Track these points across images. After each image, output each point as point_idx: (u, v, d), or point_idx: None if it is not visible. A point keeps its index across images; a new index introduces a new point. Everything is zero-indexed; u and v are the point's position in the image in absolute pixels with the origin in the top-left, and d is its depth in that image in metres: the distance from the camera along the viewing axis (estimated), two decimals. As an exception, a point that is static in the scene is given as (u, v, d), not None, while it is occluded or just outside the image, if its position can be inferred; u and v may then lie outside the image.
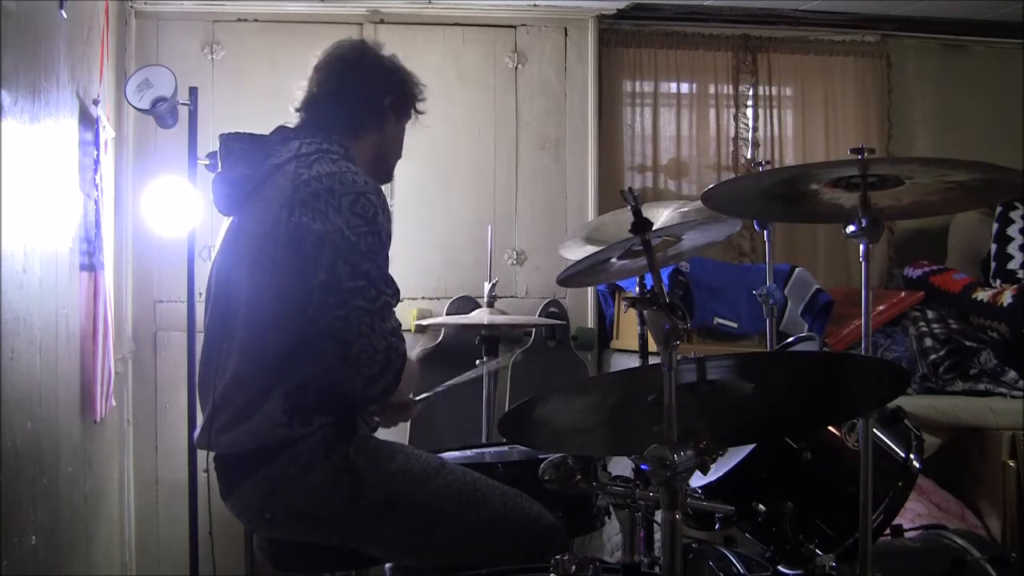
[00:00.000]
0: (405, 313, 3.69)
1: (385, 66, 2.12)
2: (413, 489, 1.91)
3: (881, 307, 3.75)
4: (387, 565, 2.13)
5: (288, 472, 1.87)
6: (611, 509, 1.58)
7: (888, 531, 2.09)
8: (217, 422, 1.93)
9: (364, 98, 2.07)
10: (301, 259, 1.85)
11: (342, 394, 1.90)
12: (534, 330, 3.86)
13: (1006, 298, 3.64)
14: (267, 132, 2.06)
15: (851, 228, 1.63)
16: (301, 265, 1.85)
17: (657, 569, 1.90)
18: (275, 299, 1.89)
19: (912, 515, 3.05)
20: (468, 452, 2.46)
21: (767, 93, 4.25)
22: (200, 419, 2.05)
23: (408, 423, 3.64)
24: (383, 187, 2.01)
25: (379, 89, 2.09)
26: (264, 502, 1.90)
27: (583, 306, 4.02)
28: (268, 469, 1.88)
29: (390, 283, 1.88)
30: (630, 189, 1.54)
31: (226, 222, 2.09)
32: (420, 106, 2.18)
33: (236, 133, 2.04)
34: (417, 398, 2.14)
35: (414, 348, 3.72)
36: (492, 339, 3.02)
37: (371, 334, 1.82)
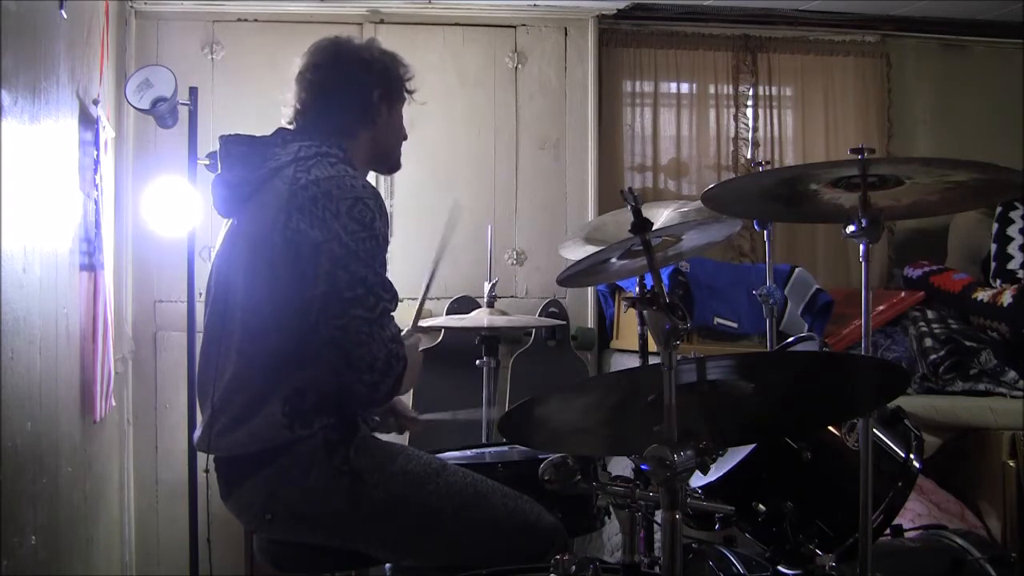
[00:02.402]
0: (405, 313, 3.68)
1: (364, 59, 2.08)
2: (413, 490, 1.91)
3: (881, 307, 3.75)
4: (387, 565, 2.13)
5: (289, 473, 1.87)
6: (611, 509, 1.58)
7: (888, 531, 2.09)
8: (217, 425, 1.93)
9: (351, 98, 2.05)
10: (299, 266, 1.85)
11: (343, 398, 1.90)
12: (534, 330, 3.85)
13: (1006, 298, 3.63)
14: (267, 132, 2.06)
15: (851, 228, 1.63)
16: (299, 272, 1.85)
17: (657, 569, 1.90)
18: (273, 304, 1.89)
19: (912, 515, 3.05)
20: (468, 452, 2.47)
21: (767, 93, 4.25)
22: (200, 420, 2.05)
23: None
24: (389, 177, 2.00)
25: (363, 85, 2.06)
26: (265, 503, 1.91)
27: (583, 306, 4.02)
28: (268, 470, 1.88)
29: (388, 288, 1.88)
30: (630, 189, 1.53)
31: (226, 223, 2.09)
32: (411, 85, 2.14)
33: (236, 135, 2.03)
34: (422, 417, 2.16)
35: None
36: (492, 339, 3.02)
37: (371, 342, 1.82)
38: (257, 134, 2.05)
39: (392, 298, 1.88)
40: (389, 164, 2.18)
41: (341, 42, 2.10)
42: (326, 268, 1.83)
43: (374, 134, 2.09)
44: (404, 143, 2.19)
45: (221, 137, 2.03)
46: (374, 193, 1.91)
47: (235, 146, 2.02)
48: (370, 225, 1.86)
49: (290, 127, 2.07)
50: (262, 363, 1.90)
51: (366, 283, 1.84)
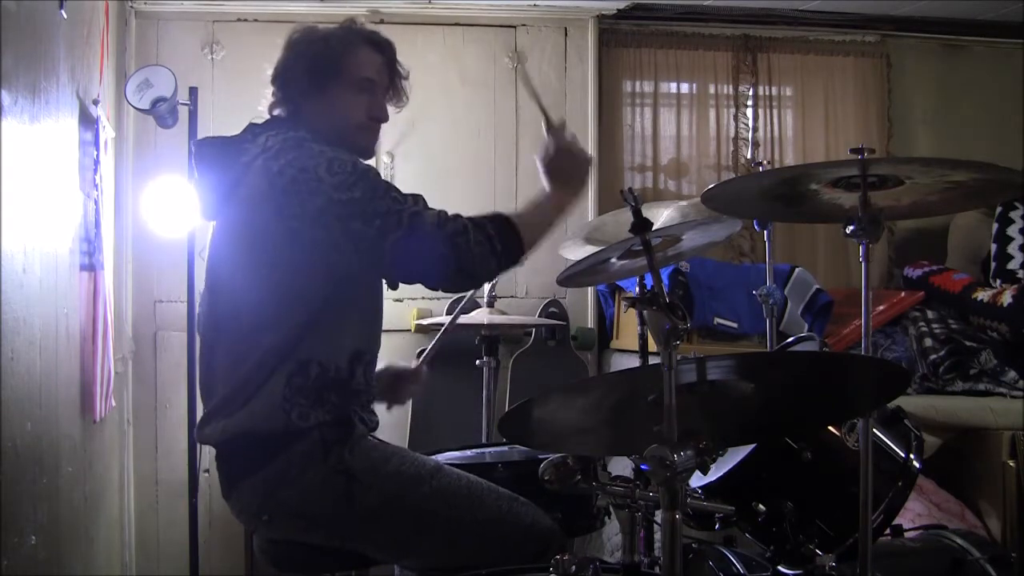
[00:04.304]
0: (405, 313, 3.71)
1: (303, 42, 2.05)
2: (408, 492, 1.90)
3: (881, 307, 3.75)
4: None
5: (286, 474, 1.87)
6: (611, 509, 1.58)
7: (888, 531, 2.09)
8: (218, 412, 1.93)
9: (293, 84, 2.02)
10: (307, 246, 1.84)
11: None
12: (534, 330, 3.85)
13: (1006, 298, 3.63)
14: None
15: (851, 228, 1.63)
16: (311, 252, 1.84)
17: (657, 569, 1.89)
18: (272, 293, 1.88)
19: (912, 515, 3.05)
20: (468, 452, 2.46)
21: (767, 93, 4.24)
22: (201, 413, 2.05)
23: (408, 424, 3.64)
24: (389, 177, 1.98)
25: (300, 70, 2.02)
26: (262, 504, 1.90)
27: (583, 306, 4.02)
28: (266, 470, 1.88)
29: (403, 199, 1.86)
30: (630, 189, 1.54)
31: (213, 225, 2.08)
32: (353, 62, 2.03)
33: (208, 138, 2.04)
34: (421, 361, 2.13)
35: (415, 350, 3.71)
36: (492, 339, 3.02)
37: (428, 246, 1.82)
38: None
39: (416, 199, 1.87)
40: (351, 149, 2.06)
41: (296, 30, 2.09)
42: (339, 229, 1.82)
43: (320, 118, 2.02)
44: (382, 129, 2.11)
45: (195, 142, 2.04)
46: (346, 152, 1.91)
47: (207, 149, 2.01)
48: (353, 170, 1.85)
49: (258, 121, 2.05)
50: (263, 350, 1.88)
51: (379, 213, 1.82)
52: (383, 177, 1.93)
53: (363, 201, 1.83)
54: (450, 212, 1.88)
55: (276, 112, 2.06)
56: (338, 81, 2.02)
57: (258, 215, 1.89)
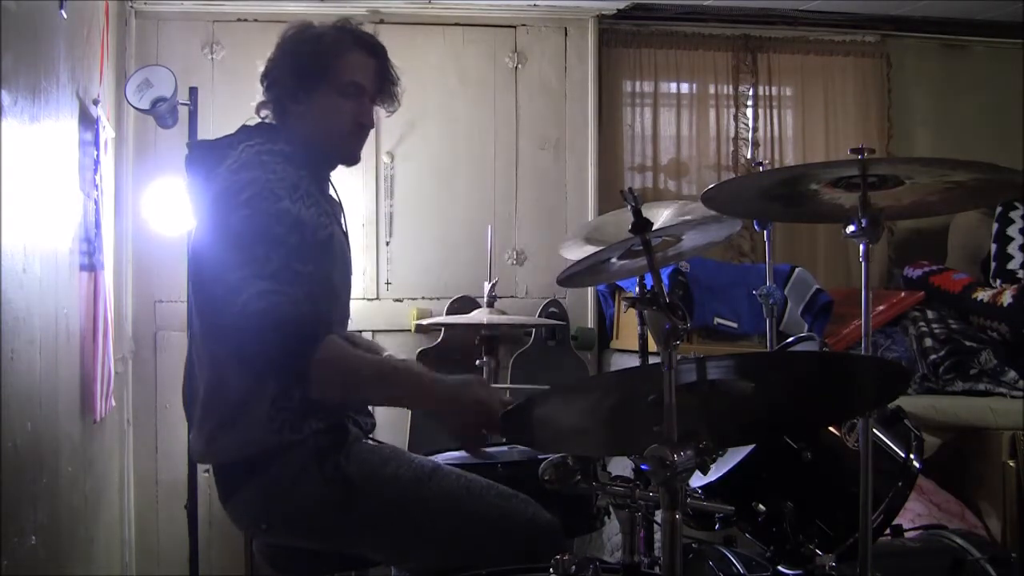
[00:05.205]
0: (405, 313, 3.72)
1: (292, 42, 2.02)
2: (406, 495, 1.89)
3: (881, 307, 3.75)
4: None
5: (281, 482, 1.86)
6: (611, 509, 1.58)
7: (888, 531, 2.09)
8: (202, 427, 1.92)
9: (279, 85, 2.00)
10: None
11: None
12: (534, 330, 3.86)
13: (1006, 298, 3.63)
14: None
15: (851, 228, 1.63)
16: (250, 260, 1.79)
17: (657, 569, 1.89)
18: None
19: (912, 515, 3.04)
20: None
21: (767, 93, 4.25)
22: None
23: (408, 424, 3.64)
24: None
25: (285, 71, 2.00)
26: (259, 513, 1.90)
27: (583, 306, 4.02)
28: (262, 479, 1.87)
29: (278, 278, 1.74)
30: (630, 189, 1.53)
31: None
32: (343, 69, 1.99)
33: (202, 141, 2.02)
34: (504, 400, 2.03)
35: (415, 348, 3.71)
36: (492, 339, 3.02)
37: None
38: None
39: (284, 283, 1.74)
40: (334, 156, 2.04)
41: (291, 27, 2.05)
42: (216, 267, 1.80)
43: (305, 122, 1.99)
44: (364, 135, 2.06)
45: (189, 143, 2.03)
46: (282, 184, 1.82)
47: (198, 151, 2.00)
48: (262, 215, 1.78)
49: (251, 123, 2.04)
50: (239, 367, 1.86)
51: (242, 268, 1.76)
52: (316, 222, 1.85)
53: (242, 250, 1.76)
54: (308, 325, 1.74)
55: (264, 113, 2.04)
56: (325, 84, 1.98)
57: (212, 220, 1.88)
